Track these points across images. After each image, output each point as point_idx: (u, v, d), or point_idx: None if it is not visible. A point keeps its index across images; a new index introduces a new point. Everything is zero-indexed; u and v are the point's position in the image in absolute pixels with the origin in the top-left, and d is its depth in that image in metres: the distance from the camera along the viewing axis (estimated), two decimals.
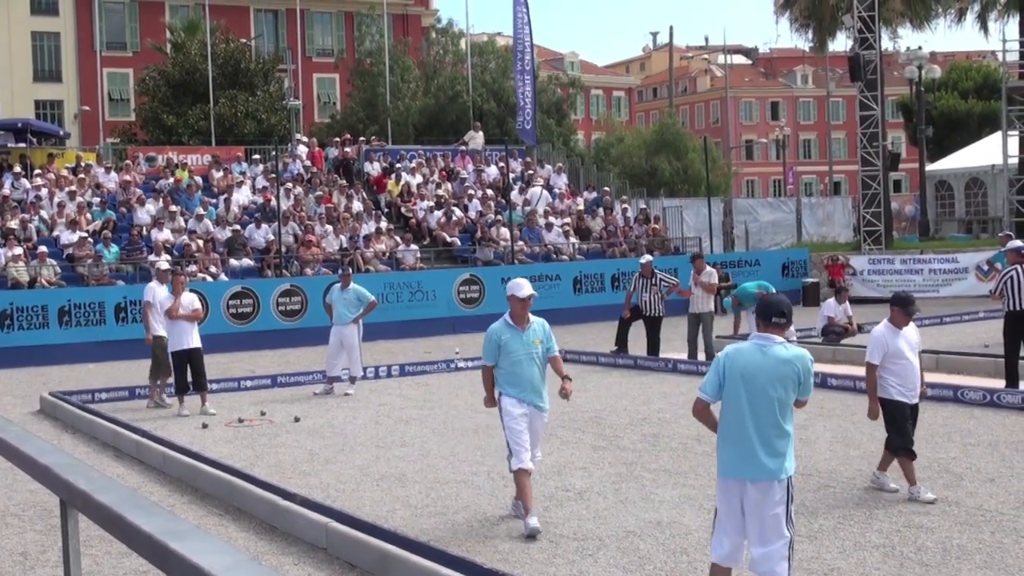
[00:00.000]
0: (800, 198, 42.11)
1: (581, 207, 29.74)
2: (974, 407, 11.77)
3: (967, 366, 14.67)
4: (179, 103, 37.99)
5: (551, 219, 27.98)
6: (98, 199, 25.06)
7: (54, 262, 21.70)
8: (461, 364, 17.05)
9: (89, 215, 23.96)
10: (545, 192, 29.72)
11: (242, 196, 26.45)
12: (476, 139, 33.64)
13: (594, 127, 66.47)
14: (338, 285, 15.42)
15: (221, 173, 27.84)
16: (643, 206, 32.18)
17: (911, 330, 8.24)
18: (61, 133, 33.72)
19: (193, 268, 21.77)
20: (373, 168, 30.27)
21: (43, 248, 21.87)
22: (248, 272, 23.44)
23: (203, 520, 8.09)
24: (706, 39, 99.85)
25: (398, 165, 29.97)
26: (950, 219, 38.95)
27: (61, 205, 23.93)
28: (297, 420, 12.73)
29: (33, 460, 4.23)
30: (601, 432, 11.25)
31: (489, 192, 29.54)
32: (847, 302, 18.70)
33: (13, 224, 22.59)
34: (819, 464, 9.28)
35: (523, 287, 7.69)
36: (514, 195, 28.67)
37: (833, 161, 63.33)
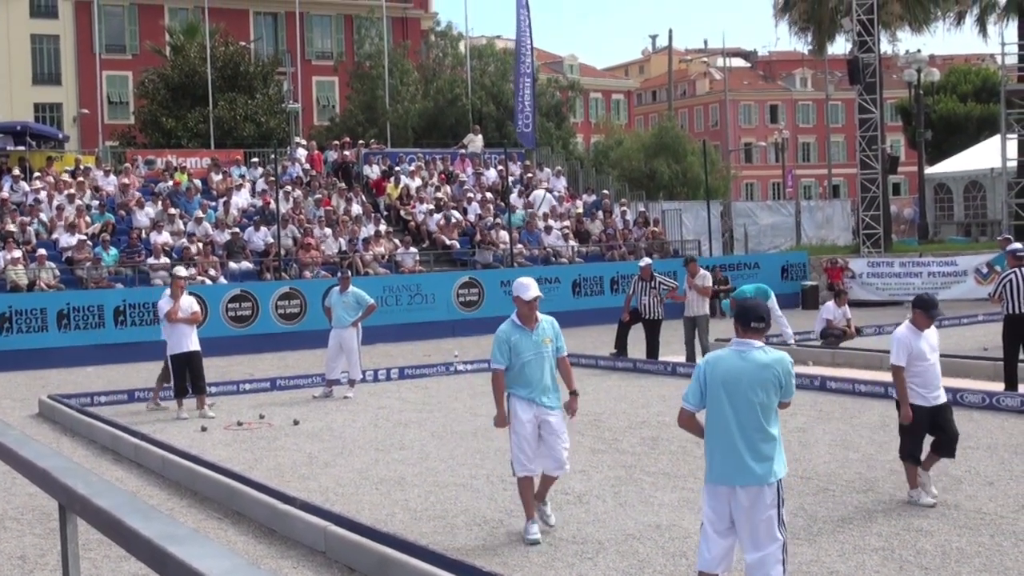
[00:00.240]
0: (799, 201, 42.12)
1: (580, 210, 29.80)
2: (973, 410, 11.77)
3: (966, 369, 14.65)
4: (178, 106, 37.95)
5: (551, 222, 28.01)
6: (97, 202, 25.05)
7: (53, 265, 21.68)
8: (460, 367, 17.07)
9: (88, 218, 23.95)
10: (549, 195, 29.77)
11: (241, 199, 26.46)
12: (475, 142, 33.66)
13: (593, 130, 66.45)
14: (337, 288, 15.39)
15: (220, 176, 27.85)
16: (642, 209, 32.24)
17: (932, 332, 8.16)
18: (60, 136, 33.64)
19: (192, 271, 21.76)
20: (372, 171, 30.27)
21: (42, 251, 21.83)
22: (247, 275, 23.42)
23: (202, 524, 8.08)
24: (705, 42, 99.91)
25: (397, 168, 29.98)
26: (949, 222, 38.96)
27: (60, 208, 23.91)
28: (296, 423, 12.72)
29: (32, 464, 4.22)
30: (600, 435, 11.25)
31: (488, 195, 29.57)
32: (846, 305, 18.71)
33: (12, 227, 22.59)
34: (818, 467, 9.28)
35: (529, 288, 7.36)
36: (513, 198, 28.69)
37: (832, 164, 63.37)
